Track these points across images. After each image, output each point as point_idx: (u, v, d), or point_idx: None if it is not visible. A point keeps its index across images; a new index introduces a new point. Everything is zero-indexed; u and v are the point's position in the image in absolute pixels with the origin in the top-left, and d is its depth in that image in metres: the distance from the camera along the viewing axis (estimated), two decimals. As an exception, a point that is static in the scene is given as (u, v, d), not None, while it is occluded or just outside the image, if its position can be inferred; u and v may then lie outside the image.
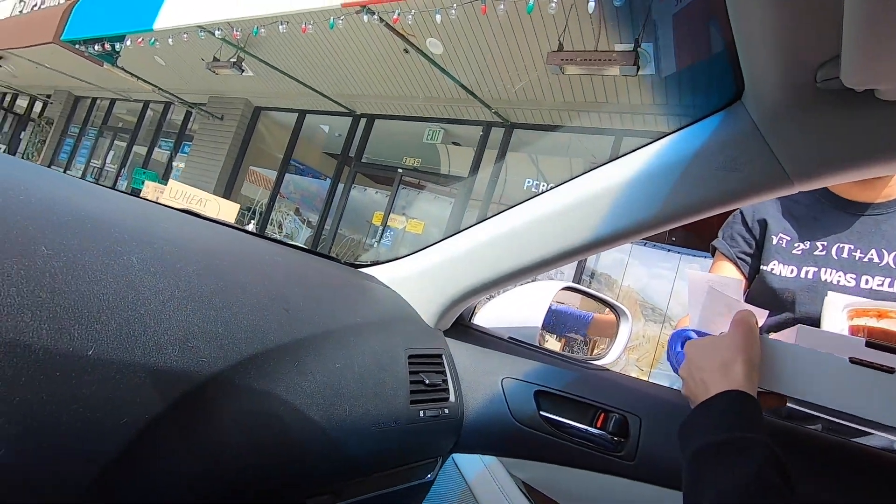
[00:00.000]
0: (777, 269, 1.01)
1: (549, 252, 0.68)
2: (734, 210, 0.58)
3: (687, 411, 0.70)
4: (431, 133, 6.46)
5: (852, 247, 0.99)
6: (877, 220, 0.99)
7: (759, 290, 1.05)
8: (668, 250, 4.72)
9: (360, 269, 0.88)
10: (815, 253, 1.00)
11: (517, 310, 0.93)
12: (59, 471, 0.31)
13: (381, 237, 6.33)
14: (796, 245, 1.02)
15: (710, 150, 0.56)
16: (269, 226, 7.69)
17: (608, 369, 0.80)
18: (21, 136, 12.25)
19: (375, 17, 4.10)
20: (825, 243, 1.00)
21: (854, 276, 0.97)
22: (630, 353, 4.59)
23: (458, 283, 0.76)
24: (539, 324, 0.88)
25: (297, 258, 0.72)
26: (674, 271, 4.63)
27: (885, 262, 0.97)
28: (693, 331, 0.66)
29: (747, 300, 1.06)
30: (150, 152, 9.39)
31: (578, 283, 4.97)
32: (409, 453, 0.66)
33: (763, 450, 0.42)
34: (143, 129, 9.70)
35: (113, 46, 6.55)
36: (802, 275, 0.99)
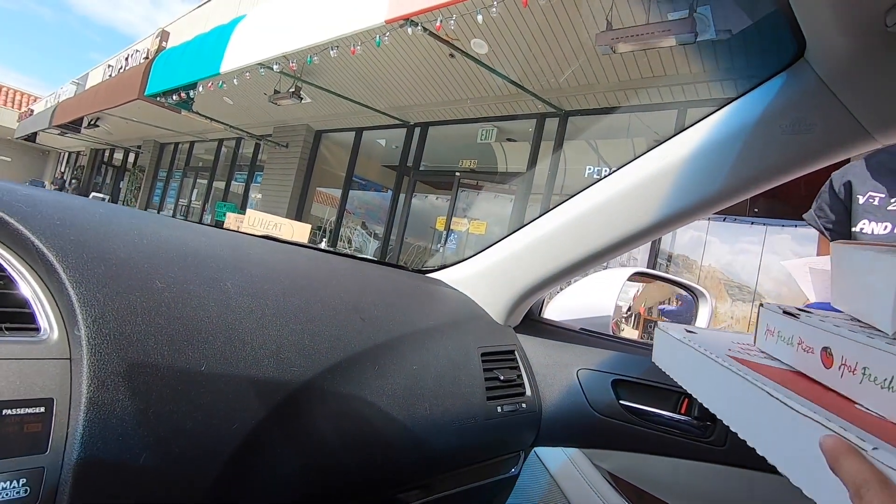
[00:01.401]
0: (868, 228, 0.97)
1: (613, 238, 0.68)
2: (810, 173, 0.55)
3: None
4: (485, 133, 6.46)
5: None
6: None
7: None
8: (752, 223, 4.38)
9: (427, 275, 0.91)
10: None
11: (587, 300, 0.92)
12: (189, 471, 0.37)
13: (445, 241, 6.41)
14: (892, 200, 0.97)
15: (776, 114, 0.54)
16: (339, 241, 8.04)
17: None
18: (120, 185, 13.74)
19: (419, 28, 4.18)
20: None
21: None
22: (719, 337, 4.31)
23: (523, 278, 0.77)
24: (611, 312, 0.87)
25: (369, 270, 0.76)
26: (760, 244, 4.30)
27: None
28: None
29: None
30: (227, 186, 10.18)
31: (654, 267, 4.75)
32: (491, 448, 0.68)
33: None
34: (220, 165, 10.54)
35: (188, 94, 7.19)
36: None
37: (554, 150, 5.63)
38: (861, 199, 1.00)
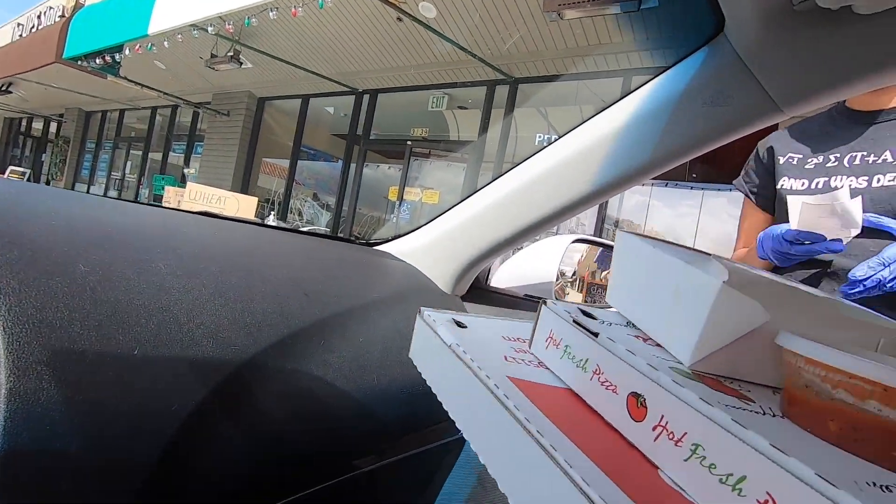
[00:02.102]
0: (787, 184, 1.08)
1: (551, 208, 0.70)
2: (730, 143, 0.59)
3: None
4: (436, 100, 6.38)
5: (865, 153, 1.04)
6: (890, 125, 1.04)
7: (780, 210, 1.11)
8: (691, 188, 4.62)
9: (375, 248, 0.91)
10: (826, 165, 1.06)
11: (531, 267, 0.95)
12: (126, 456, 0.36)
13: (399, 211, 6.37)
14: (809, 160, 1.08)
15: (698, 87, 0.56)
16: (289, 214, 7.82)
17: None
18: (42, 159, 12.63)
19: (363, -12, 4.02)
20: (838, 154, 1.06)
21: (866, 178, 1.02)
22: (660, 296, 4.57)
23: (468, 248, 0.79)
24: (553, 278, 0.91)
25: (313, 245, 0.76)
26: (697, 208, 4.54)
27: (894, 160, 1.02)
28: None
29: (775, 224, 1.10)
30: (165, 157, 9.59)
31: (600, 231, 4.93)
32: (439, 413, 0.71)
33: None
34: (155, 135, 9.88)
35: (113, 58, 6.62)
36: (812, 185, 1.05)
37: (504, 117, 5.65)
38: (782, 160, 1.10)
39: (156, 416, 0.38)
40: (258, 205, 4.88)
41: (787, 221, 1.03)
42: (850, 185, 1.01)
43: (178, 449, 0.39)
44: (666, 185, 4.71)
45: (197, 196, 3.64)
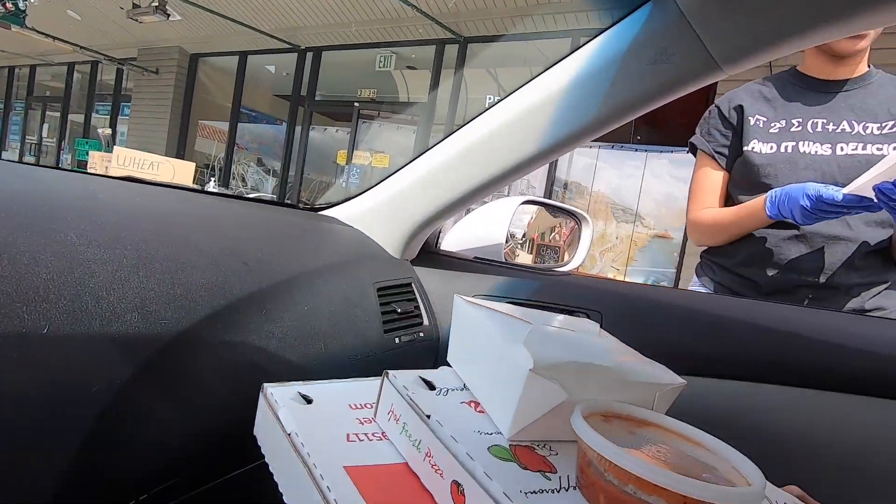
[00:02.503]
0: (757, 147, 1.08)
1: (500, 168, 0.69)
2: (669, 102, 0.59)
3: (642, 302, 0.75)
4: (383, 59, 6.15)
5: (825, 120, 1.07)
6: (845, 95, 1.07)
7: (742, 171, 1.11)
8: (635, 149, 4.75)
9: (320, 213, 0.88)
10: (791, 130, 1.07)
11: (480, 230, 0.95)
12: (43, 439, 0.33)
13: (348, 176, 6.21)
14: (772, 124, 1.08)
15: (642, 44, 0.56)
16: (231, 180, 7.45)
17: (571, 273, 0.84)
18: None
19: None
20: (800, 119, 1.08)
21: (829, 145, 1.05)
22: (606, 255, 4.76)
23: (416, 211, 0.77)
24: (503, 240, 0.91)
25: (253, 212, 0.71)
26: (641, 170, 4.70)
27: (855, 130, 1.05)
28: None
29: (730, 184, 1.12)
30: (87, 120, 8.79)
31: (550, 193, 5.02)
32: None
33: None
34: (74, 94, 9.00)
35: (15, 4, 5.89)
36: (781, 150, 1.06)
37: (454, 78, 5.53)
38: (752, 121, 1.09)
39: (73, 399, 0.35)
40: (196, 171, 4.59)
41: (752, 182, 1.06)
42: (815, 152, 1.03)
43: (102, 432, 0.36)
44: (612, 147, 4.82)
45: (126, 162, 3.36)
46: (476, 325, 0.39)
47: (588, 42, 0.62)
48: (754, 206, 1.02)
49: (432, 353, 0.77)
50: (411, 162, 0.79)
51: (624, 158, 4.80)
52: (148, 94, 7.63)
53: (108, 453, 0.37)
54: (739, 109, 1.11)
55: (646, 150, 4.69)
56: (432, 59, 5.69)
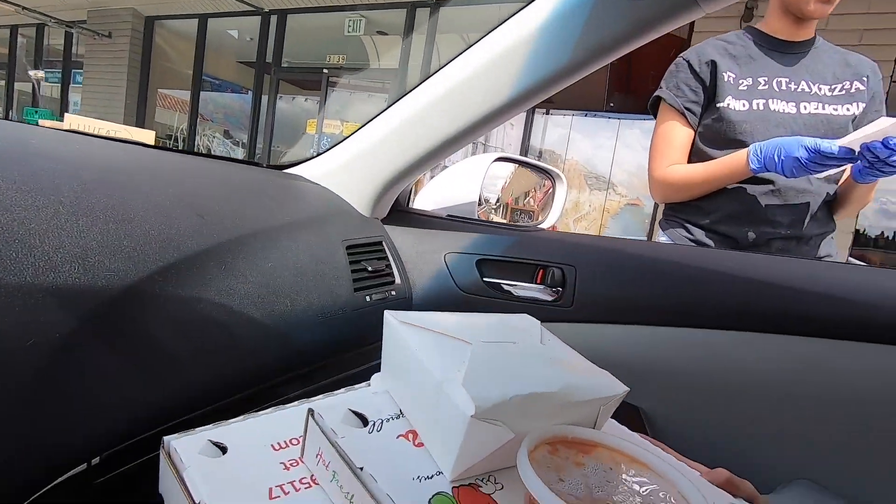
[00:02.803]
0: (732, 105, 1.08)
1: (471, 119, 0.66)
2: (645, 45, 0.57)
3: (615, 255, 0.75)
4: (352, 24, 5.92)
5: (787, 80, 1.09)
6: (800, 56, 1.11)
7: (716, 128, 1.10)
8: (608, 118, 4.75)
9: (285, 171, 0.84)
10: (759, 88, 1.09)
11: (454, 188, 0.92)
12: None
13: (318, 146, 6.04)
14: (741, 82, 1.09)
15: (618, -20, 0.53)
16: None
17: (544, 229, 0.83)
18: None
19: None
20: (766, 78, 1.09)
21: (794, 104, 1.08)
22: (578, 223, 4.81)
23: (385, 168, 0.74)
24: (476, 198, 0.89)
25: (212, 166, 0.67)
26: (614, 139, 4.71)
27: (812, 91, 1.09)
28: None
29: (700, 139, 1.11)
30: (35, 88, 8.26)
31: (525, 163, 5.01)
32: (363, 336, 0.69)
33: None
34: (19, 60, 8.42)
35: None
36: (754, 107, 1.08)
37: (426, 44, 5.38)
38: (726, 77, 1.09)
39: (6, 355, 0.31)
40: (157, 140, 4.37)
41: (727, 139, 1.06)
42: (783, 110, 1.06)
43: (43, 389, 0.33)
44: (585, 116, 4.81)
45: (80, 128, 3.14)
46: (410, 349, 0.36)
47: (562, -19, 0.59)
48: (733, 161, 1.03)
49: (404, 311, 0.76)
50: (378, 116, 0.75)
51: (597, 128, 4.80)
52: (102, 61, 7.19)
53: (50, 412, 0.34)
54: (712, 65, 1.11)
55: (619, 119, 4.70)
56: (403, 24, 5.51)
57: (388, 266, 0.74)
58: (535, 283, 0.73)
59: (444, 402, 0.31)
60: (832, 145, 0.89)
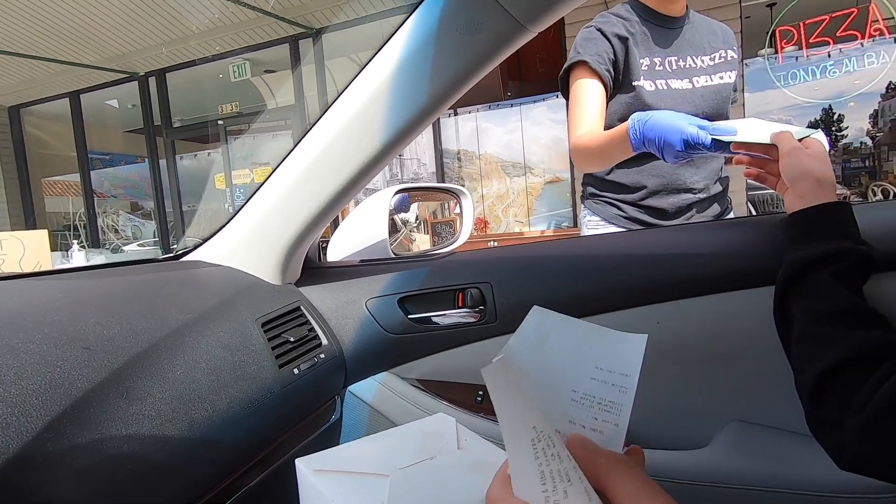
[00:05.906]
0: (646, 85, 1.10)
1: (353, 170, 0.67)
2: (515, 59, 0.60)
3: (527, 262, 0.77)
4: (237, 68, 5.75)
5: (676, 57, 1.13)
6: (681, 31, 1.14)
7: (630, 103, 1.10)
8: (511, 105, 4.90)
9: (181, 260, 0.80)
10: (656, 69, 1.11)
11: (362, 231, 0.92)
12: None
13: (232, 199, 5.82)
14: (642, 62, 1.10)
15: (450, 17, 0.56)
16: (101, 235, 6.68)
17: (457, 252, 0.84)
18: None
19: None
20: (659, 58, 1.12)
21: (688, 80, 1.12)
22: (508, 211, 4.93)
23: (283, 233, 0.73)
24: (385, 235, 0.89)
25: (92, 283, 0.63)
26: (520, 123, 4.87)
27: (697, 65, 1.13)
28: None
29: (612, 114, 1.11)
30: None
31: (441, 166, 5.06)
32: (301, 409, 0.67)
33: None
34: None
35: None
36: (659, 87, 1.11)
37: (317, 72, 5.32)
38: (637, 56, 1.09)
39: None
40: (52, 238, 4.02)
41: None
42: (682, 88, 1.10)
43: None
44: (489, 108, 4.94)
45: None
46: (328, 498, 0.36)
47: (402, 23, 0.60)
48: (620, 135, 0.92)
49: (340, 369, 0.75)
50: (264, 184, 0.74)
51: (504, 116, 4.94)
52: (-32, 163, 6.56)
53: None
54: (626, 42, 1.08)
55: (520, 104, 4.86)
56: (289, 58, 5.42)
57: (312, 330, 0.73)
58: (458, 308, 0.75)
59: None
60: (708, 138, 0.78)
